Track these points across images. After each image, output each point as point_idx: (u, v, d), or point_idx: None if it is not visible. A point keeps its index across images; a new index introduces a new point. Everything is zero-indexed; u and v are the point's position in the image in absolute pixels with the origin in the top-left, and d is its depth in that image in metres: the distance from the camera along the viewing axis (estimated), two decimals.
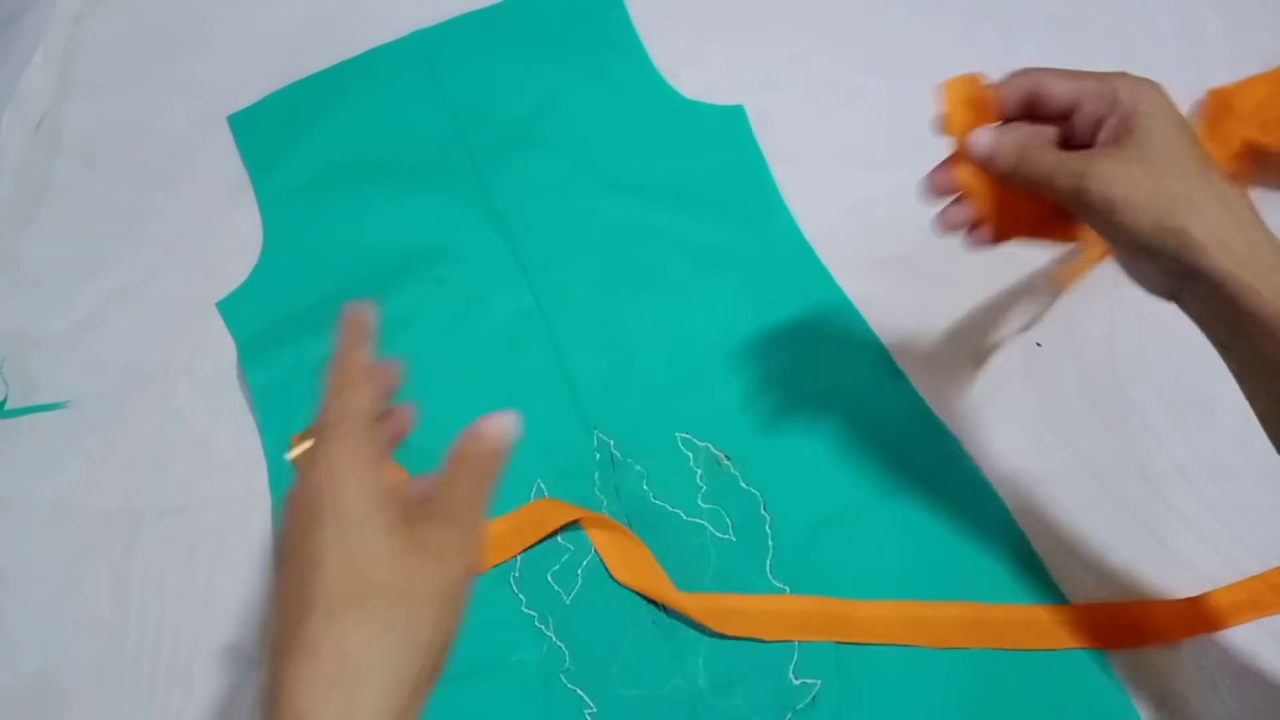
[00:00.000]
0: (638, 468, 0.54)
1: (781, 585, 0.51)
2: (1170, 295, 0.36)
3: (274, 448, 0.56)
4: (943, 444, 0.54)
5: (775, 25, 0.68)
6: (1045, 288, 0.56)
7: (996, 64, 0.66)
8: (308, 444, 0.33)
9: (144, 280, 0.61)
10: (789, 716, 0.48)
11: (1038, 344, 0.58)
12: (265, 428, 0.56)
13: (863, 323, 0.57)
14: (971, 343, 0.58)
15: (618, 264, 0.59)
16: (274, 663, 0.28)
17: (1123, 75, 0.37)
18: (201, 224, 0.62)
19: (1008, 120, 0.39)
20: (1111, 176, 0.34)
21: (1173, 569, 0.50)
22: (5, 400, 0.58)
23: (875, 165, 0.63)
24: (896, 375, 0.56)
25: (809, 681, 0.49)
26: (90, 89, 0.67)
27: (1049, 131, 0.38)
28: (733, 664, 0.49)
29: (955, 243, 0.61)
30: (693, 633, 0.50)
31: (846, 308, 0.58)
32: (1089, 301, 0.60)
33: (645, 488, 0.53)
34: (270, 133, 0.64)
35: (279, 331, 0.58)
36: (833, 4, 0.68)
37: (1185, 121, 0.36)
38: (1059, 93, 0.37)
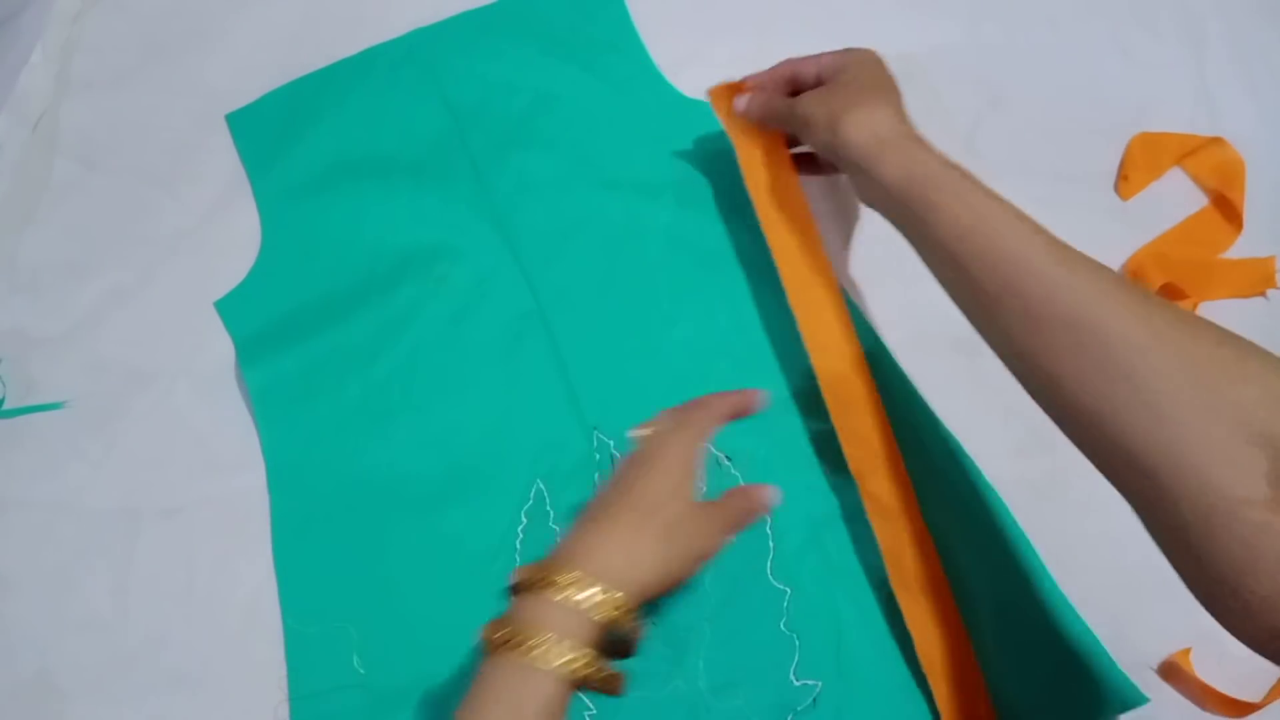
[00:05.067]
0: None
1: (783, 586, 0.51)
2: (847, 173, 0.51)
3: (272, 448, 0.55)
4: (943, 443, 0.54)
5: (776, 25, 0.68)
6: None
7: (997, 63, 0.66)
8: (648, 430, 0.45)
9: (143, 280, 0.61)
10: (790, 718, 0.48)
11: None
12: (263, 427, 0.56)
13: (864, 322, 0.57)
14: (973, 342, 0.58)
15: (617, 263, 0.59)
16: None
17: (848, 49, 0.53)
18: (200, 224, 0.62)
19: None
20: (806, 104, 0.51)
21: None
22: (3, 400, 0.58)
23: None
24: (898, 375, 0.56)
25: (810, 683, 0.49)
26: (88, 88, 0.67)
27: (785, 93, 0.55)
28: (733, 665, 0.49)
29: None
30: (693, 634, 0.50)
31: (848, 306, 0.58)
32: None
33: None
34: (269, 131, 0.64)
35: (278, 331, 0.58)
36: (833, 4, 0.68)
37: (876, 71, 0.52)
38: (808, 74, 0.54)
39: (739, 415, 0.47)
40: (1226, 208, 0.61)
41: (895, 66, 0.66)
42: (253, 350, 0.57)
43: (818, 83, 0.53)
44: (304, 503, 0.54)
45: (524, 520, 0.53)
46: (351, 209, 0.61)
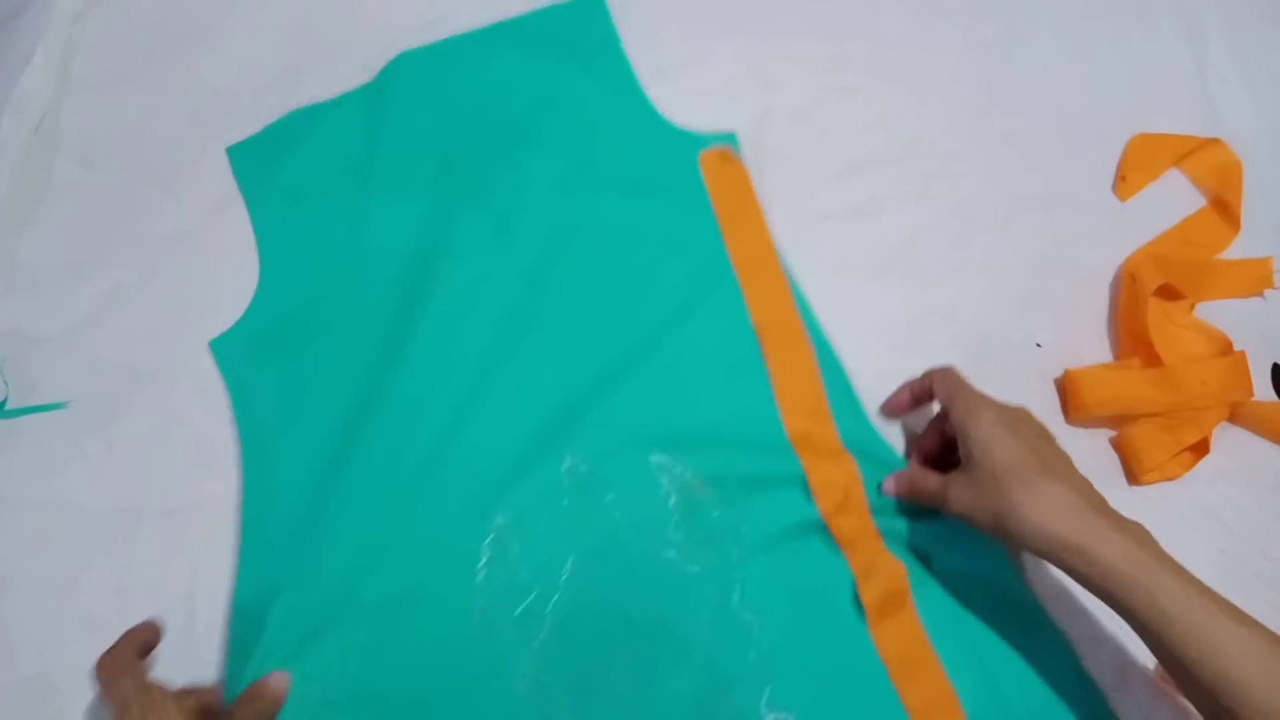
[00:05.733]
0: (608, 496, 0.52)
1: (751, 618, 0.49)
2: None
3: (253, 467, 0.55)
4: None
5: (775, 25, 0.68)
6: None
7: (997, 64, 0.66)
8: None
9: (143, 280, 0.61)
10: None
11: (1038, 344, 0.58)
12: (248, 468, 0.55)
13: (826, 346, 0.57)
14: (972, 342, 0.58)
15: (616, 267, 0.58)
16: None
17: (968, 402, 0.49)
18: (201, 224, 0.62)
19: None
20: (956, 498, 0.47)
21: None
22: (5, 400, 0.58)
23: (875, 165, 0.63)
24: (862, 424, 0.55)
25: (783, 715, 0.47)
26: (89, 88, 0.67)
27: (931, 471, 0.51)
28: (704, 701, 0.47)
29: (955, 244, 0.62)
30: (662, 670, 0.48)
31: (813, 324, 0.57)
32: (1088, 302, 0.60)
33: (616, 516, 0.52)
34: (267, 161, 0.62)
35: (272, 368, 0.57)
36: (833, 4, 0.68)
37: (1015, 439, 0.46)
38: (939, 395, 0.51)
39: (149, 649, 0.47)
40: (1224, 208, 0.61)
41: (895, 67, 0.67)
42: (246, 390, 0.56)
43: (944, 415, 0.50)
44: (279, 513, 0.53)
45: (491, 534, 0.51)
46: (350, 224, 0.59)
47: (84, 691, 0.51)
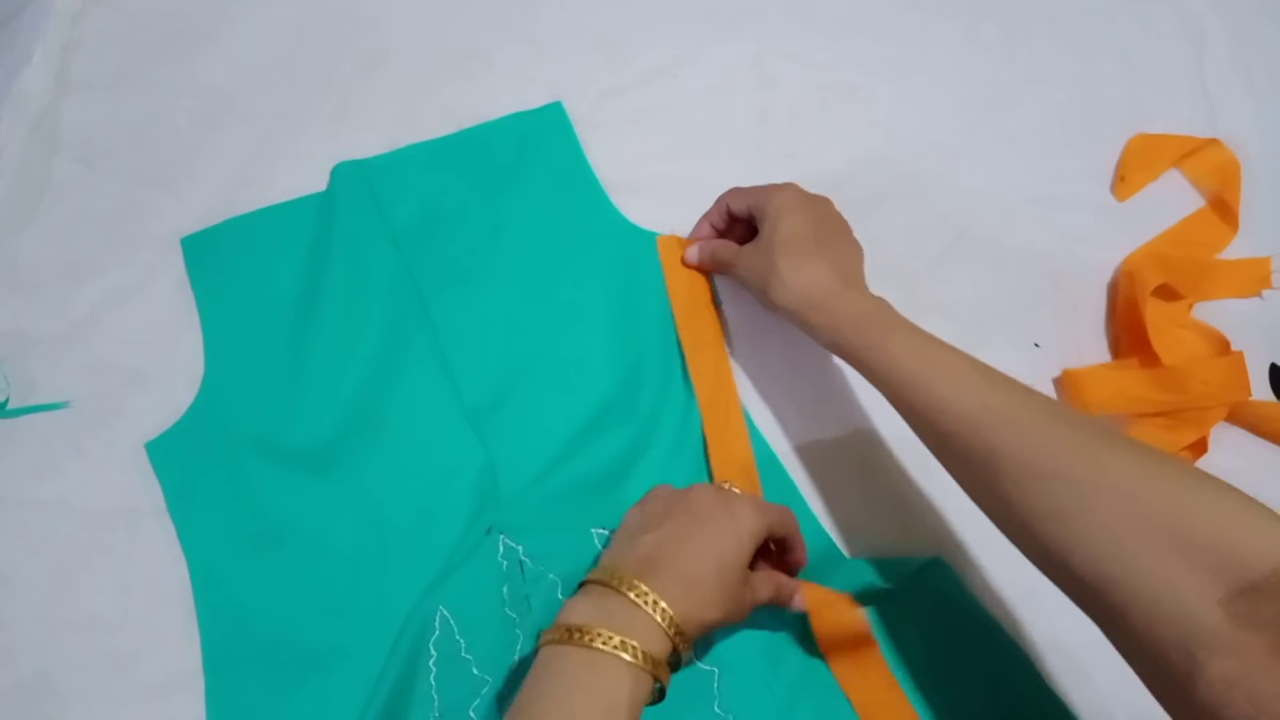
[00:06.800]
0: (550, 576, 0.51)
1: (709, 668, 0.49)
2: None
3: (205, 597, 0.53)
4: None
5: (775, 25, 0.68)
6: None
7: (996, 64, 0.66)
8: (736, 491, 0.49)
9: (144, 280, 0.61)
10: None
11: (1037, 344, 0.59)
12: (196, 577, 0.53)
13: (763, 444, 0.56)
14: (972, 342, 0.58)
15: (569, 400, 0.56)
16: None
17: (769, 188, 0.54)
18: (201, 224, 0.62)
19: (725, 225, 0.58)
20: (742, 264, 0.53)
21: None
22: (5, 400, 0.58)
23: (875, 165, 0.63)
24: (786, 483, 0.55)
25: None
26: (89, 88, 0.67)
27: (730, 241, 0.57)
28: None
29: (955, 244, 0.62)
30: None
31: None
32: (1087, 302, 0.60)
33: (560, 597, 0.50)
34: (220, 264, 0.60)
35: (212, 477, 0.55)
36: (833, 4, 0.68)
37: (801, 217, 0.51)
38: (738, 209, 0.55)
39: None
40: (1223, 209, 0.61)
41: (895, 67, 0.67)
42: (184, 497, 0.55)
43: (749, 218, 0.55)
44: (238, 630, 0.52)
45: (436, 630, 0.50)
46: (298, 339, 0.58)
47: (84, 691, 0.51)
